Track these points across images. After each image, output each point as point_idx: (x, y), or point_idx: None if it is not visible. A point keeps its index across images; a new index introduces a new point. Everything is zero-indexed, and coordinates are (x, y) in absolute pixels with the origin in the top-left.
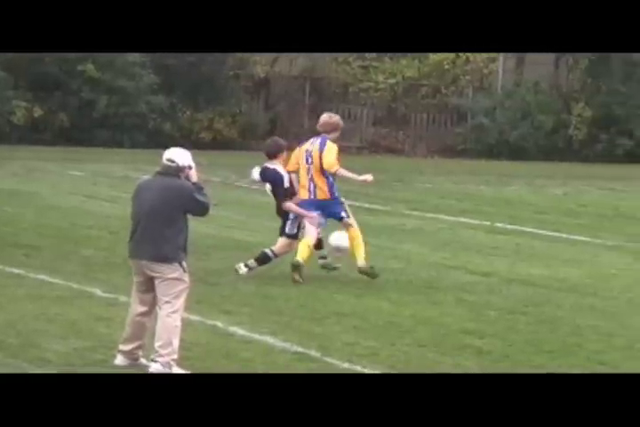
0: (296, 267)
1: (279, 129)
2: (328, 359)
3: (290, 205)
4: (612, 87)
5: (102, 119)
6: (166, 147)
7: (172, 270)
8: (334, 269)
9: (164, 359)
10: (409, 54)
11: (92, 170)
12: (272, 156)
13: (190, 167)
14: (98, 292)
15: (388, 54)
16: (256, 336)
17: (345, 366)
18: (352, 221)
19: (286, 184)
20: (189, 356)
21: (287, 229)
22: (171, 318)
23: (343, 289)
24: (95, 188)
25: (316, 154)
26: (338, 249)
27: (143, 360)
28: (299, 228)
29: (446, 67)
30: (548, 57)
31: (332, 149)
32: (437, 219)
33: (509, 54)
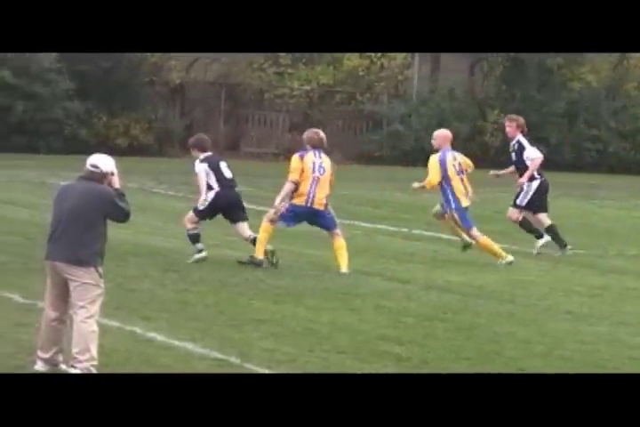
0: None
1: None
2: (248, 366)
3: None
4: (526, 94)
5: (18, 125)
6: (82, 153)
7: (88, 275)
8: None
9: (82, 365)
10: (324, 59)
11: (8, 176)
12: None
13: (113, 174)
14: (16, 298)
15: (303, 60)
16: (175, 342)
17: (264, 373)
18: (339, 231)
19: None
20: (108, 362)
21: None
22: (86, 323)
23: (261, 295)
24: (11, 194)
25: (328, 165)
26: None
27: (63, 366)
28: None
29: (361, 73)
30: (463, 64)
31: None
32: (354, 225)
33: (424, 61)
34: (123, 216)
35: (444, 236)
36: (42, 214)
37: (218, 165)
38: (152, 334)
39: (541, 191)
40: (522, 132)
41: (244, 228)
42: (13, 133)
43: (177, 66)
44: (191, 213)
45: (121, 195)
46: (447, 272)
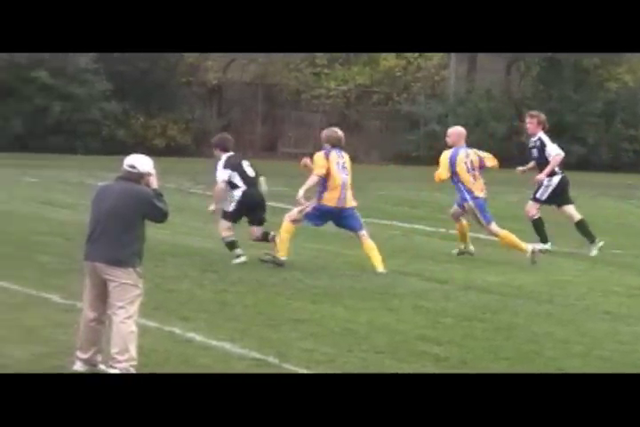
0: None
1: (232, 135)
2: (286, 366)
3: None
4: (563, 94)
5: (56, 126)
6: (120, 153)
7: (127, 275)
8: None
9: (122, 365)
10: (360, 59)
11: (47, 176)
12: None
13: (150, 174)
14: (55, 298)
15: (339, 60)
16: (214, 343)
17: (303, 373)
18: (365, 232)
19: None
20: (148, 362)
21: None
22: (125, 324)
23: (299, 295)
24: (50, 194)
25: (349, 165)
26: None
27: (102, 366)
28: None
29: (398, 74)
30: (500, 64)
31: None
32: (391, 226)
33: (461, 61)
34: (161, 216)
35: (482, 236)
36: (80, 215)
37: (240, 164)
38: (191, 335)
39: (562, 186)
40: (543, 128)
41: (259, 230)
42: (50, 134)
43: (214, 66)
44: (222, 221)
45: (159, 195)
46: (485, 272)
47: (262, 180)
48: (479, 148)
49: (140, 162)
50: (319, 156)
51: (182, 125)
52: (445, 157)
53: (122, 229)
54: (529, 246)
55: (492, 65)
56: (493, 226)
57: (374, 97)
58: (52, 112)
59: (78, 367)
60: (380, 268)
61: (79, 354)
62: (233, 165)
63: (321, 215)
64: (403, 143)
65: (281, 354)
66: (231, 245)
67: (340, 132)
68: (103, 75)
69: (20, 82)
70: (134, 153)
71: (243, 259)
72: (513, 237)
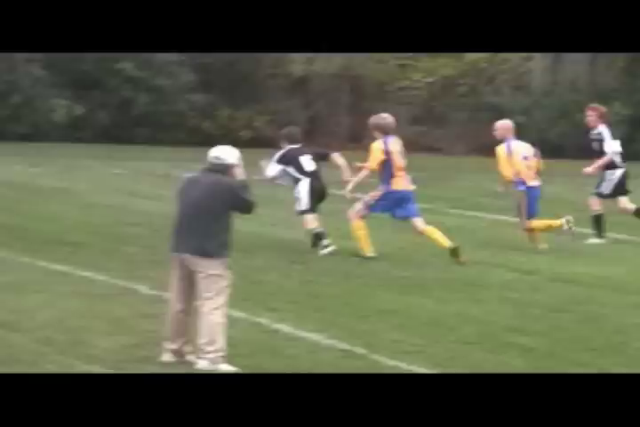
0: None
1: (319, 128)
2: (374, 357)
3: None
4: None
5: (142, 117)
6: (206, 145)
7: (215, 266)
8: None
9: (210, 356)
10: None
11: (133, 168)
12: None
13: (236, 165)
14: (142, 289)
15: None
16: (301, 333)
17: (391, 364)
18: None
19: None
20: (235, 353)
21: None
22: (213, 314)
23: (386, 286)
24: (137, 185)
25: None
26: None
27: (191, 357)
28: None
29: (483, 66)
30: (585, 56)
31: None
32: (477, 217)
33: (546, 53)
34: (247, 208)
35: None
36: (167, 206)
37: (296, 159)
38: (278, 325)
39: (624, 179)
40: (604, 121)
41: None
42: (136, 126)
43: (299, 58)
44: (304, 216)
45: (245, 186)
46: (571, 263)
47: (336, 155)
48: (564, 139)
49: (226, 153)
50: (377, 147)
51: (268, 117)
52: (502, 153)
53: (209, 221)
54: (562, 220)
55: (577, 57)
56: (529, 222)
57: (459, 89)
58: (137, 104)
59: (167, 358)
60: (449, 243)
61: (168, 345)
62: (289, 160)
63: (389, 201)
64: (488, 135)
65: (369, 345)
66: (318, 237)
67: (389, 119)
68: (188, 67)
69: (105, 74)
70: (220, 144)
71: (331, 248)
72: (543, 223)
